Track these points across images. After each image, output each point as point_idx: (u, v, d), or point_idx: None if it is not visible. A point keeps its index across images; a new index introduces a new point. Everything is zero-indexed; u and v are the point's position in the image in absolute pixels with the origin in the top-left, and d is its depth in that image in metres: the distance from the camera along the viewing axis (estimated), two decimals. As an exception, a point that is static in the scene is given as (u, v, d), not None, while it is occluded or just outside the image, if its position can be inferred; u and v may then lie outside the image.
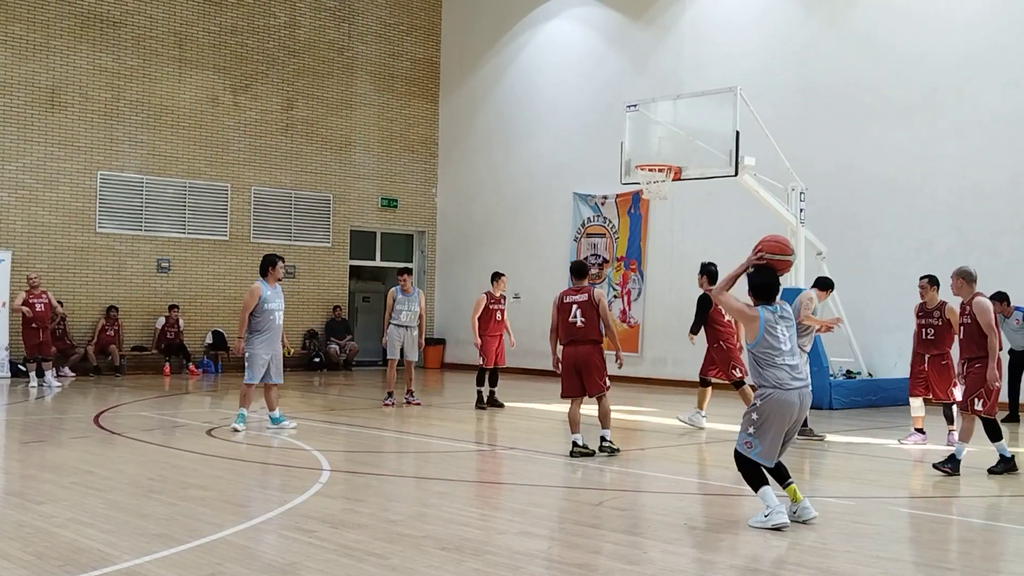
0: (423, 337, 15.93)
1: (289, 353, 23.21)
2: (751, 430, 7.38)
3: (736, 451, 7.50)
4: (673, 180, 16.34)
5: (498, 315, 15.74)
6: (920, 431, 12.04)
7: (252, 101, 23.37)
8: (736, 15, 20.33)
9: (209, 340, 22.63)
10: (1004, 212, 16.68)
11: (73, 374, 20.42)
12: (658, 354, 21.10)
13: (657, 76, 21.13)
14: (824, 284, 13.17)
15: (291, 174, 23.90)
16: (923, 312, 11.87)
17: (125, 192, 21.69)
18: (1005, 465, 9.92)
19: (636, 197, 20.90)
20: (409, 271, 16.18)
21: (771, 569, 6.37)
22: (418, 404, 15.79)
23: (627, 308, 21.69)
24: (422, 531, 7.02)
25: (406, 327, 15.53)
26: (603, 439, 10.79)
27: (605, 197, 22.15)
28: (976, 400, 9.86)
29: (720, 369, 13.06)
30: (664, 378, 20.68)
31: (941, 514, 8.00)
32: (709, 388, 13.32)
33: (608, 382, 10.83)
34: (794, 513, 7.37)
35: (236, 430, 12.16)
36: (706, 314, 13.18)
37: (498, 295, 15.80)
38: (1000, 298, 14.55)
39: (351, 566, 6.07)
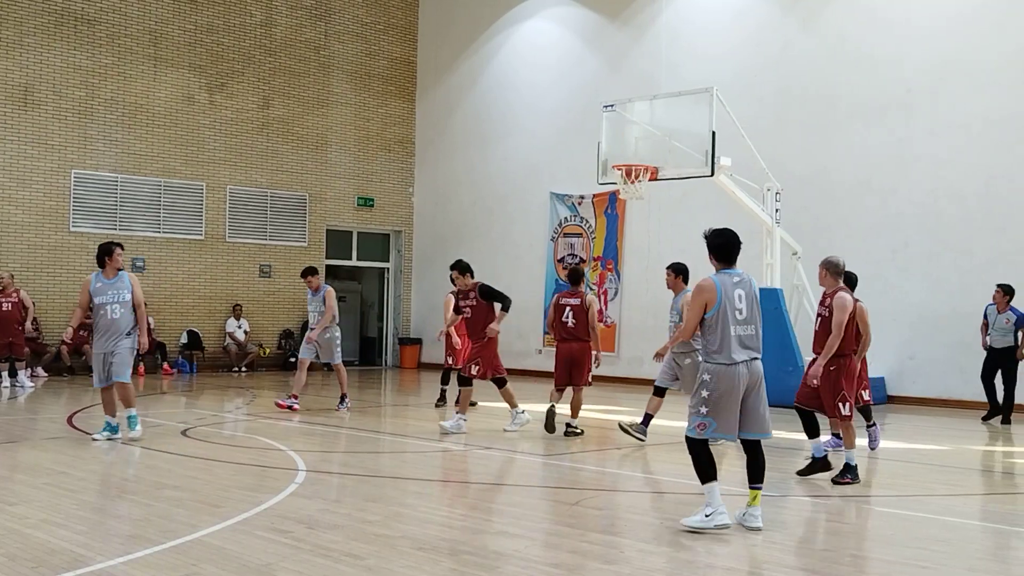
0: (325, 336, 14.82)
1: (265, 353, 23.37)
2: (704, 410, 7.14)
3: (688, 438, 7.25)
4: (649, 180, 16.37)
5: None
6: (836, 435, 11.01)
7: (228, 100, 23.26)
8: (712, 16, 20.40)
9: (184, 340, 22.51)
10: (978, 213, 16.80)
11: (46, 374, 20.26)
12: (635, 354, 21.14)
13: (634, 76, 21.17)
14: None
15: (267, 173, 23.81)
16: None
17: (99, 191, 21.53)
18: (816, 465, 9.45)
19: (613, 197, 20.94)
20: (313, 270, 15.20)
21: (748, 568, 6.38)
22: (348, 410, 14.93)
23: (604, 308, 21.71)
24: (398, 531, 7.00)
25: (312, 329, 14.82)
26: (568, 425, 12.11)
27: (582, 197, 22.18)
28: (842, 405, 9.35)
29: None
30: (641, 378, 20.69)
31: (917, 513, 8.05)
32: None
33: (591, 379, 12.13)
34: (742, 516, 7.25)
35: (110, 439, 11.30)
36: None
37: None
38: (1006, 291, 14.75)
39: (327, 566, 6.04)
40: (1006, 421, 14.53)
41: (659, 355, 11.60)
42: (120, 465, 9.84)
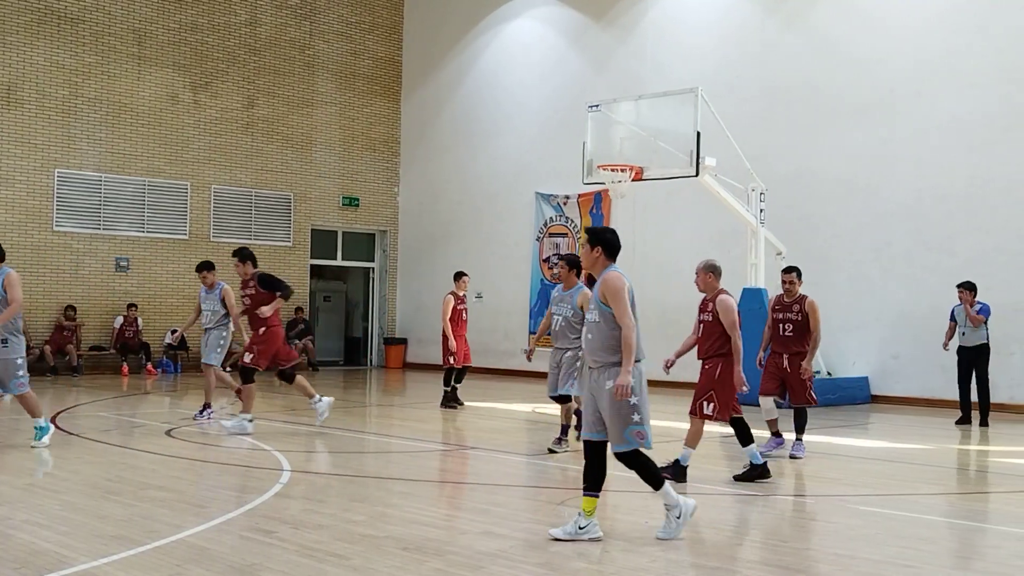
0: (237, 338, 13.74)
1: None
2: (636, 417, 6.69)
3: (625, 454, 6.75)
4: (634, 180, 16.40)
5: (464, 314, 15.71)
6: (777, 435, 11.01)
7: (212, 99, 23.19)
8: (697, 17, 20.44)
9: (168, 340, 22.43)
10: (960, 213, 16.89)
11: (29, 374, 20.11)
12: (620, 354, 21.13)
13: (619, 76, 21.20)
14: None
15: (251, 173, 23.74)
16: (780, 306, 11.14)
17: (83, 190, 21.45)
18: (754, 472, 9.23)
19: (598, 197, 20.96)
20: (209, 265, 13.98)
21: (731, 567, 6.40)
22: (208, 420, 13.31)
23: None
24: (383, 531, 6.99)
25: (206, 329, 13.58)
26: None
27: (567, 197, 22.19)
28: (706, 404, 9.16)
29: None
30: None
31: (900, 512, 8.09)
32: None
33: None
34: (575, 527, 6.77)
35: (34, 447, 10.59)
36: None
37: (461, 295, 15.77)
38: (968, 287, 14.66)
39: (312, 567, 6.03)
40: (984, 423, 14.39)
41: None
42: (104, 466, 9.81)
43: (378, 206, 25.90)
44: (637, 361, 6.73)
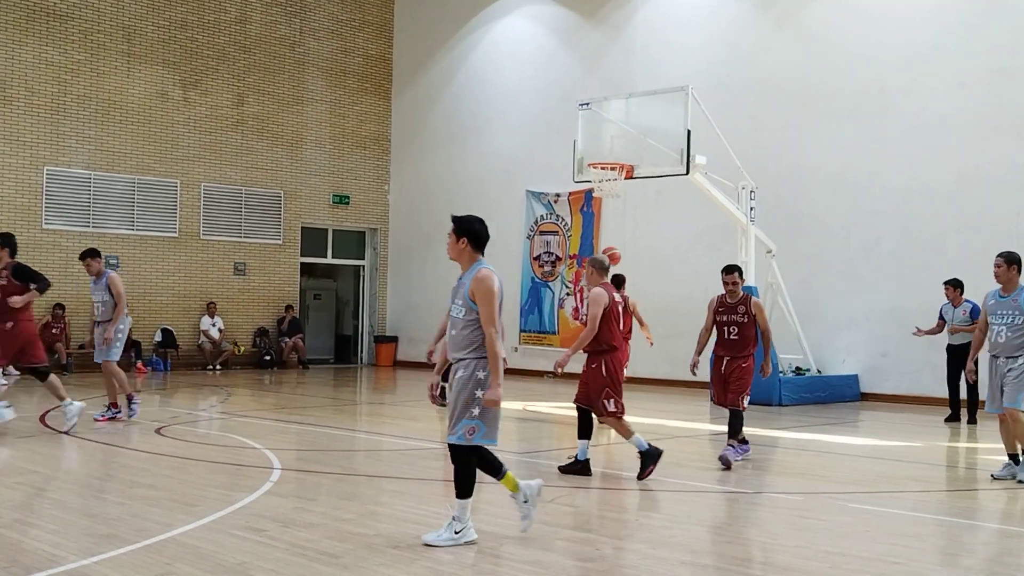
0: (109, 332, 12.61)
1: (239, 351, 23.26)
2: (475, 411, 6.53)
3: (458, 447, 6.56)
4: (625, 178, 16.42)
5: None
6: (744, 441, 10.44)
7: (202, 97, 23.14)
8: (688, 15, 20.46)
9: (158, 338, 22.39)
10: (949, 211, 16.94)
11: (18, 373, 20.04)
12: (610, 351, 21.16)
13: (609, 75, 21.21)
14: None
15: (241, 171, 23.70)
16: (724, 307, 10.44)
17: (72, 188, 21.38)
18: (577, 466, 9.32)
19: (589, 195, 20.96)
20: (93, 252, 13.16)
21: (721, 564, 6.41)
22: (111, 419, 12.69)
23: (580, 305, 21.73)
24: (374, 530, 6.99)
25: (98, 322, 12.83)
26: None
27: (558, 195, 22.20)
28: (607, 402, 9.24)
29: None
30: (616, 375, 20.75)
31: (890, 509, 8.11)
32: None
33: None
34: (524, 503, 6.73)
35: None
36: None
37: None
38: (954, 284, 14.71)
39: (302, 565, 6.03)
40: (972, 421, 14.40)
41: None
42: (94, 464, 9.78)
43: (369, 204, 25.87)
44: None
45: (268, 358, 23.68)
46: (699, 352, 10.46)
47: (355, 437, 12.73)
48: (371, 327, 26.16)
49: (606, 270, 9.76)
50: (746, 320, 10.30)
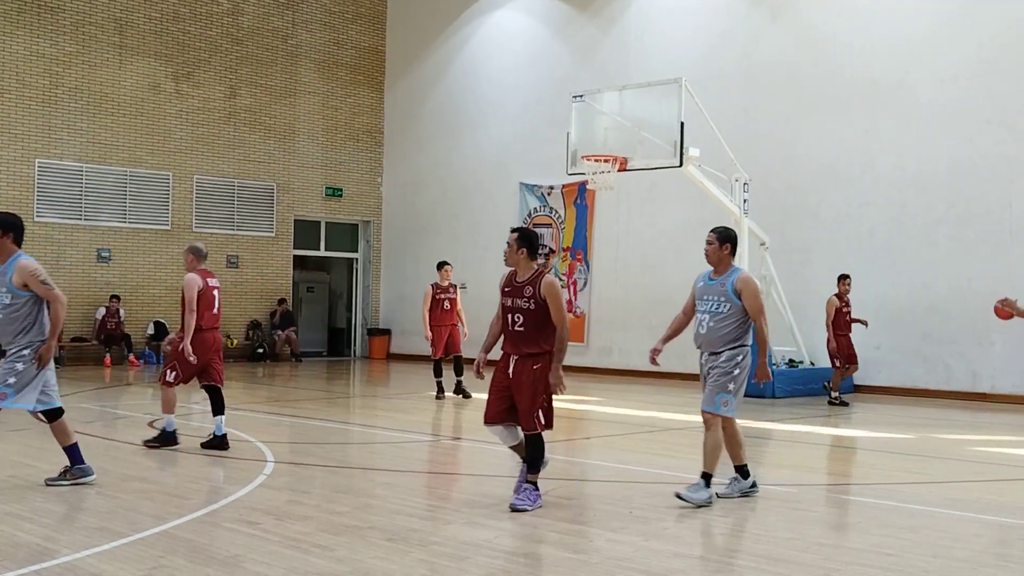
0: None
1: (232, 344, 23.23)
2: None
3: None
4: (619, 171, 16.41)
5: (446, 304, 15.56)
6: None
7: (194, 89, 23.07)
8: (681, 6, 20.44)
9: (151, 331, 22.35)
10: (941, 203, 16.97)
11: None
12: (604, 344, 21.20)
13: (603, 67, 21.19)
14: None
15: (234, 163, 23.65)
16: (510, 287, 7.82)
17: (64, 180, 21.32)
18: (215, 442, 10.02)
19: (582, 187, 20.95)
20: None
21: (715, 556, 6.42)
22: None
23: (573, 298, 21.75)
24: (367, 522, 6.99)
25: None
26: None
27: (551, 187, 22.19)
28: (168, 371, 10.03)
29: None
30: (610, 368, 20.79)
31: (882, 500, 8.13)
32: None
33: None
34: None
35: None
36: None
37: (445, 284, 15.69)
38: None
39: (296, 558, 6.03)
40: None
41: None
42: (86, 457, 9.75)
43: (361, 196, 25.83)
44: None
45: (261, 351, 23.65)
46: (487, 349, 8.40)
47: (348, 430, 12.73)
48: (364, 320, 26.14)
49: (203, 257, 10.32)
50: (533, 307, 7.66)
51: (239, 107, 23.72)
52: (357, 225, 26.19)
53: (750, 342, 8.04)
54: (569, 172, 17.44)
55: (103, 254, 21.76)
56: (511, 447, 7.92)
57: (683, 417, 14.13)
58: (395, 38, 26.08)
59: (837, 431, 12.88)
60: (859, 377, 17.65)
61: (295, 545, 6.32)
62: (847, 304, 15.72)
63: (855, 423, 14.24)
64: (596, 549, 6.42)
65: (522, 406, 7.58)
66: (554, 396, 7.63)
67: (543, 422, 7.57)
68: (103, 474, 8.83)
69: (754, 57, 19.26)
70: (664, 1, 20.73)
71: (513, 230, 7.99)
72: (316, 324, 26.14)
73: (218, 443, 10.02)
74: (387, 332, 25.71)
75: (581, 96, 17.21)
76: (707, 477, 7.76)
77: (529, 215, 22.82)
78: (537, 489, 7.58)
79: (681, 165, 15.88)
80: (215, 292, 10.20)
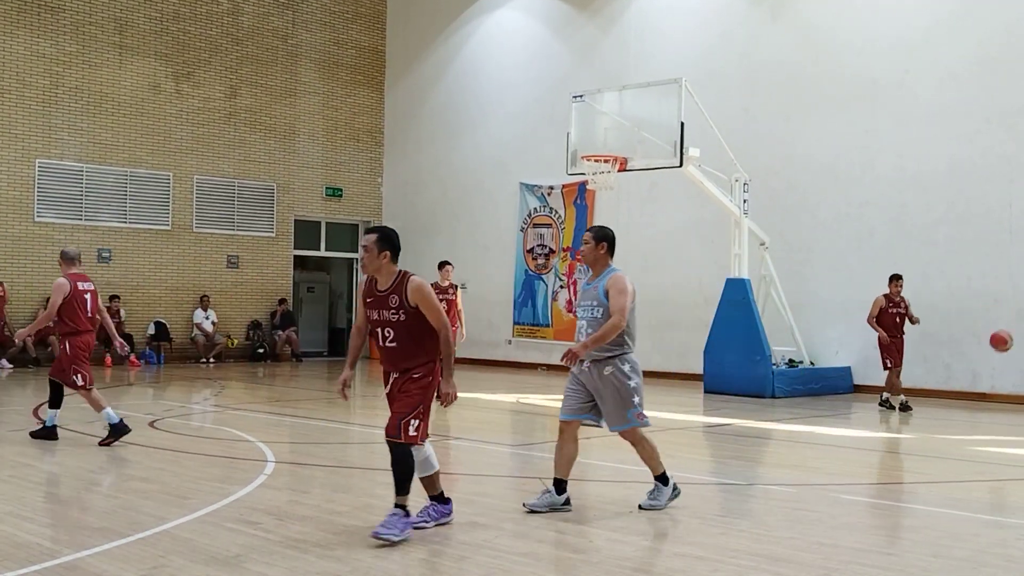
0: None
1: (232, 344, 23.23)
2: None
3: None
4: (619, 171, 16.42)
5: (443, 305, 15.50)
6: (442, 498, 7.11)
7: (194, 89, 23.08)
8: (681, 6, 20.44)
9: (151, 331, 22.35)
10: (941, 203, 16.97)
11: (11, 366, 20.06)
12: (604, 344, 21.17)
13: (603, 67, 21.19)
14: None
15: (234, 163, 23.65)
16: (372, 297, 6.91)
17: (64, 181, 21.32)
18: (43, 432, 10.43)
19: (582, 187, 20.96)
20: None
21: (715, 556, 6.43)
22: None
23: (573, 298, 21.75)
24: (368, 522, 6.99)
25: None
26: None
27: (551, 187, 22.19)
28: (76, 377, 10.24)
29: None
30: (609, 368, 20.76)
31: (882, 500, 8.13)
32: None
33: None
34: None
35: None
36: None
37: (444, 285, 15.67)
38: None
39: (296, 558, 6.03)
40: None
41: None
42: (87, 457, 9.76)
43: (362, 196, 25.84)
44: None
45: (261, 351, 23.66)
46: (352, 364, 7.57)
47: (349, 430, 12.73)
48: (364, 320, 26.08)
49: (73, 260, 10.50)
50: (403, 318, 6.72)
51: (239, 107, 23.72)
52: (357, 225, 26.18)
53: (632, 348, 7.50)
54: (569, 172, 17.45)
55: (103, 254, 21.75)
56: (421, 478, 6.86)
57: (681, 417, 14.12)
58: (395, 38, 26.08)
59: (837, 431, 12.88)
60: (860, 377, 17.67)
61: (295, 545, 6.32)
62: (896, 304, 15.07)
63: (855, 423, 14.24)
64: (596, 549, 6.42)
65: (394, 408, 6.72)
66: (447, 408, 6.98)
67: (412, 434, 6.59)
68: (103, 474, 8.83)
69: (754, 57, 19.26)
70: (664, 1, 20.74)
71: (369, 230, 6.85)
72: (316, 324, 26.13)
73: (46, 434, 10.43)
74: (387, 332, 25.67)
75: (581, 96, 17.22)
76: (661, 478, 7.57)
77: (529, 215, 22.82)
78: (407, 515, 6.48)
79: (681, 165, 15.89)
80: (87, 296, 10.41)
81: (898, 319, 15.07)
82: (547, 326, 22.31)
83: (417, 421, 6.64)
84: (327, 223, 25.62)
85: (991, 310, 16.17)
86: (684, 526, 7.09)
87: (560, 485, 7.39)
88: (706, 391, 16.84)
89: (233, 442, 10.92)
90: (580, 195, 21.63)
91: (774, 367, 16.66)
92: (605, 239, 7.71)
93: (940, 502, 8.45)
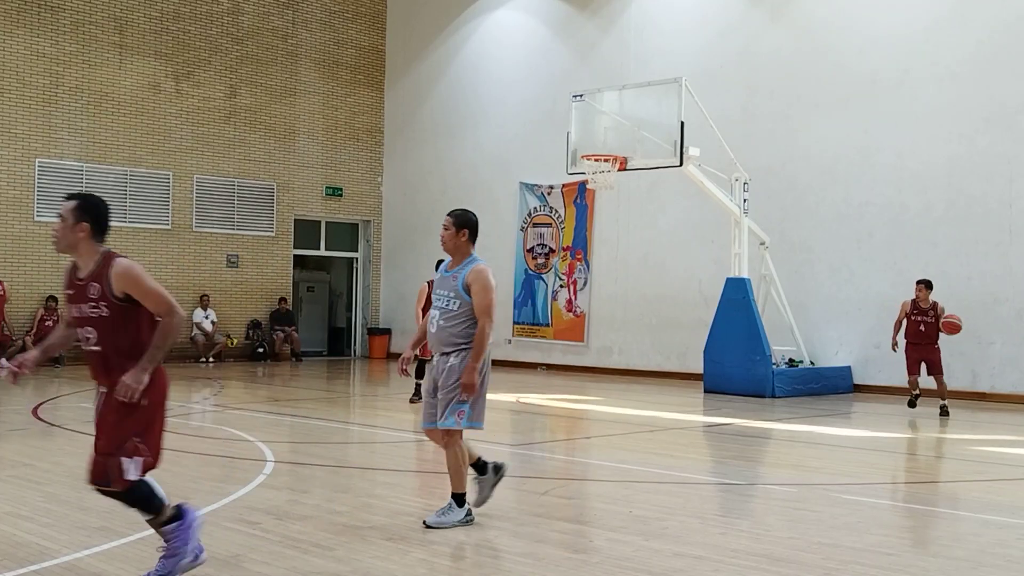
0: None
1: (232, 343, 23.23)
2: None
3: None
4: (619, 170, 16.42)
5: None
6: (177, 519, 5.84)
7: (195, 88, 23.07)
8: (681, 6, 20.43)
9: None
10: (940, 203, 16.96)
11: (11, 365, 20.02)
12: (603, 343, 21.20)
13: (603, 66, 21.19)
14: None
15: (234, 162, 23.64)
16: (73, 289, 5.68)
17: (64, 180, 21.30)
18: None
19: (582, 187, 20.95)
20: None
21: (715, 556, 6.42)
22: None
23: (573, 298, 21.76)
24: (367, 522, 6.99)
25: None
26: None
27: (551, 187, 22.19)
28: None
29: None
30: (609, 367, 20.78)
31: (882, 500, 8.13)
32: None
33: None
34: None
35: None
36: None
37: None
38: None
39: (296, 557, 6.03)
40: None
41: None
42: (86, 457, 9.76)
43: (362, 196, 25.83)
44: None
45: (261, 350, 23.65)
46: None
47: (348, 429, 12.73)
48: (364, 319, 26.14)
49: None
50: (106, 329, 5.46)
51: (239, 107, 23.72)
52: (357, 225, 26.18)
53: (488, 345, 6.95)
54: (569, 171, 17.45)
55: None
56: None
57: (681, 416, 14.13)
58: (395, 37, 26.07)
59: (837, 431, 12.87)
60: (860, 376, 17.67)
61: (295, 545, 6.32)
62: (922, 312, 14.37)
63: (855, 423, 14.24)
64: (596, 548, 6.42)
65: (99, 443, 5.29)
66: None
67: (130, 478, 5.21)
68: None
69: (754, 56, 19.25)
70: (664, 0, 20.72)
71: (70, 196, 5.52)
72: (316, 324, 26.13)
73: None
74: (387, 332, 25.71)
75: (581, 95, 17.22)
76: (458, 497, 6.85)
77: (529, 215, 22.82)
78: (182, 549, 5.40)
79: (681, 164, 15.89)
80: None
81: (922, 327, 14.38)
82: (547, 326, 22.30)
83: (129, 454, 5.15)
84: (327, 223, 25.62)
85: (991, 310, 16.16)
86: (684, 526, 7.09)
87: (459, 499, 6.88)
88: (706, 391, 16.84)
89: (233, 442, 10.92)
90: (580, 195, 21.62)
91: (774, 367, 16.66)
92: (467, 225, 7.23)
93: (940, 502, 8.45)
